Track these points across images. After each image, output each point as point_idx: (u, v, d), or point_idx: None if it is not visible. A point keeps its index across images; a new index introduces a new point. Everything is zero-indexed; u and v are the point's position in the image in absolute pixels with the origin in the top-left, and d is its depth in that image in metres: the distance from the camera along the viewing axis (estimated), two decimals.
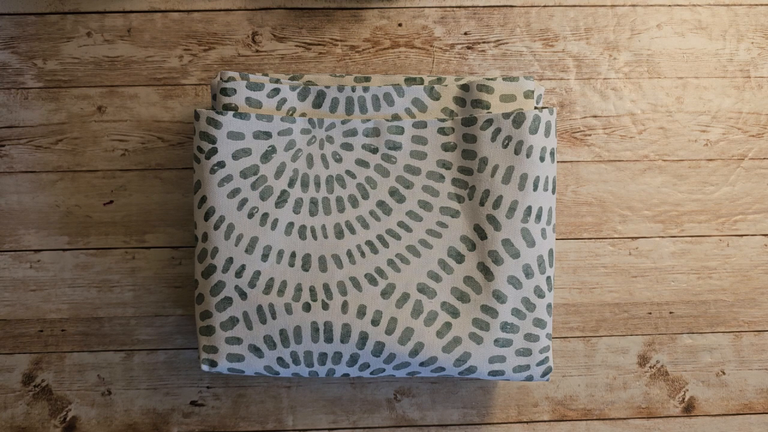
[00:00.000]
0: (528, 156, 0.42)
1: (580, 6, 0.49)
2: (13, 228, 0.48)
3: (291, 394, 0.48)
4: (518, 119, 0.42)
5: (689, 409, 0.49)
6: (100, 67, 0.48)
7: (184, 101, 0.48)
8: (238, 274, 0.42)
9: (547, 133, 0.42)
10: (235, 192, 0.42)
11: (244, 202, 0.43)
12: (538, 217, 0.42)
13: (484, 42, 0.49)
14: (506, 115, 0.42)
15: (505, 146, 0.42)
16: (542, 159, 0.42)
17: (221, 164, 0.42)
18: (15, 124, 0.48)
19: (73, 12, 0.48)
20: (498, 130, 0.42)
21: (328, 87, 0.43)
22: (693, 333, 0.49)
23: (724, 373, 0.49)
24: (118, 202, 0.48)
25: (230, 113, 0.42)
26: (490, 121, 0.42)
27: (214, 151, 0.42)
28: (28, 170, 0.48)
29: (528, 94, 0.43)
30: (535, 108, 0.43)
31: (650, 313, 0.49)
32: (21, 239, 0.48)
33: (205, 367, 0.43)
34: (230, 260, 0.42)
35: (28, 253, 0.48)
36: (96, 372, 0.48)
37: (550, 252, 0.43)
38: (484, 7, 0.49)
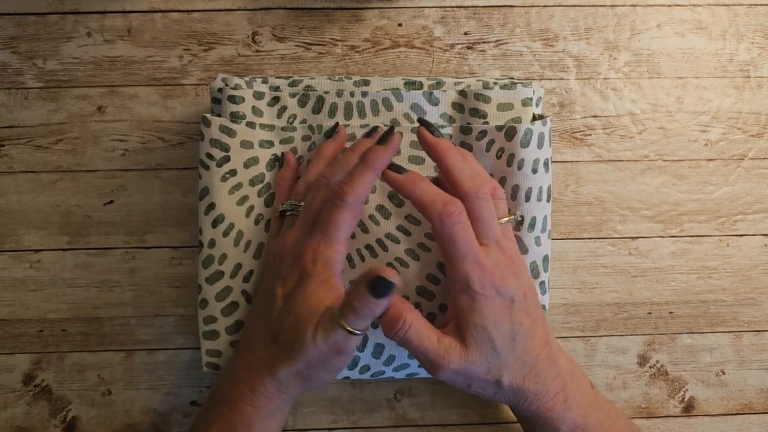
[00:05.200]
0: (519, 168, 0.42)
1: (580, 6, 0.49)
2: (13, 228, 0.48)
3: None
4: (510, 132, 0.41)
5: (689, 409, 0.49)
6: (100, 67, 0.48)
7: (184, 101, 0.48)
8: (246, 278, 0.42)
9: (540, 145, 0.42)
10: (243, 200, 0.43)
11: (251, 209, 0.43)
12: (531, 227, 0.42)
13: (484, 42, 0.49)
14: (499, 128, 0.42)
15: (498, 157, 0.42)
16: (534, 171, 0.42)
17: (233, 172, 0.42)
18: (15, 124, 0.48)
19: (73, 12, 0.48)
20: (492, 141, 0.42)
21: (327, 92, 0.43)
22: (693, 333, 0.49)
23: (724, 373, 0.49)
24: (118, 202, 0.48)
25: (243, 122, 0.42)
26: (483, 132, 0.42)
27: (227, 159, 0.42)
28: (28, 170, 0.48)
29: (526, 102, 0.42)
30: (534, 115, 0.43)
31: (650, 313, 0.49)
32: (21, 239, 0.48)
33: (208, 371, 0.43)
34: (239, 266, 0.42)
35: (28, 253, 0.48)
36: (96, 372, 0.48)
37: (545, 258, 0.43)
38: (484, 7, 0.49)
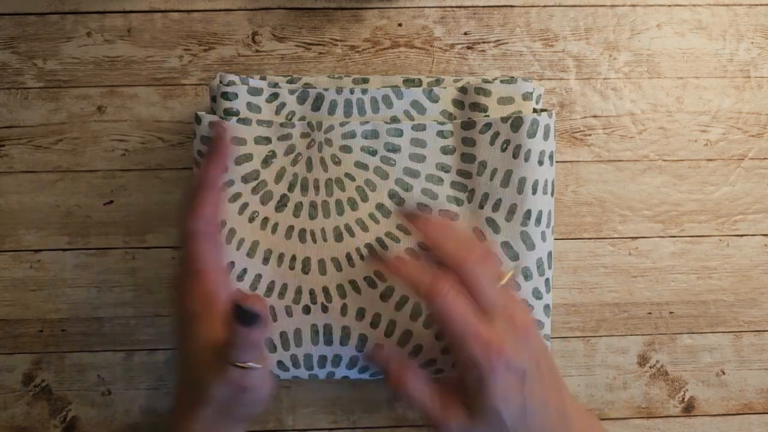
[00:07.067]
0: (526, 160, 0.42)
1: (580, 6, 0.49)
2: (13, 228, 0.48)
3: (291, 394, 0.48)
4: (516, 123, 0.41)
5: (689, 409, 0.49)
6: (100, 67, 0.48)
7: (184, 101, 0.48)
8: (240, 277, 0.42)
9: (545, 137, 0.42)
10: (236, 197, 0.42)
11: (245, 206, 0.43)
12: (538, 221, 0.42)
13: (484, 42, 0.49)
14: (504, 119, 0.42)
15: (503, 150, 0.42)
16: (540, 162, 0.42)
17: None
18: (15, 124, 0.48)
19: (73, 12, 0.48)
20: (497, 134, 0.42)
21: (326, 90, 0.43)
22: (693, 333, 0.49)
23: (724, 373, 0.49)
24: (118, 202, 0.48)
25: (234, 118, 0.42)
26: (488, 125, 0.42)
27: None
28: (28, 170, 0.48)
29: (526, 96, 0.42)
30: (534, 110, 0.43)
31: (650, 313, 0.49)
32: (21, 239, 0.48)
33: None
34: (231, 264, 0.42)
35: (28, 253, 0.48)
36: (96, 372, 0.48)
37: (549, 254, 0.43)
38: (484, 7, 0.49)
